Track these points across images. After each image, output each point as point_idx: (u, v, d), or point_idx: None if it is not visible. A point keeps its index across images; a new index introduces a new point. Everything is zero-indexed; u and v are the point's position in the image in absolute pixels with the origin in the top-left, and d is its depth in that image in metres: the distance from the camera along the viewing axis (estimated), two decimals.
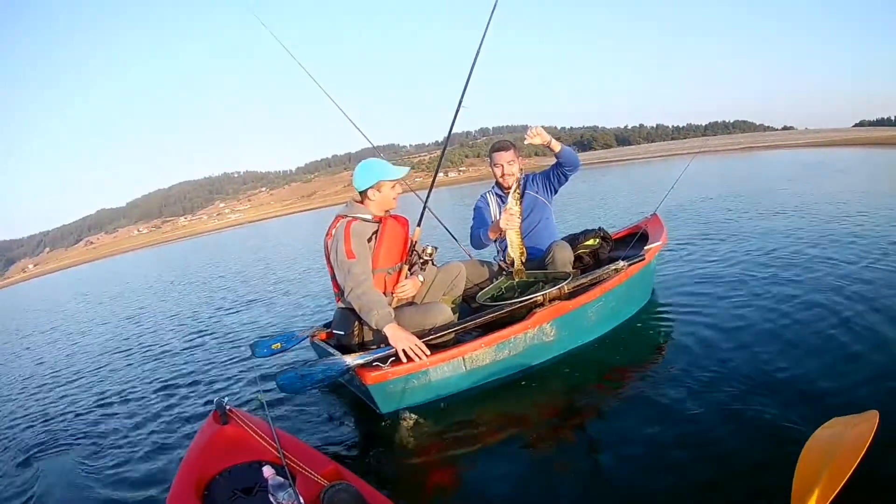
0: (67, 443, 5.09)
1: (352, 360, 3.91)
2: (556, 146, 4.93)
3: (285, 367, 4.30)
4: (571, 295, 4.43)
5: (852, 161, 22.76)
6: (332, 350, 4.41)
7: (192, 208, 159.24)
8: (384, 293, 4.26)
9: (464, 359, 4.02)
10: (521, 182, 4.83)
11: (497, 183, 5.35)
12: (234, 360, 6.53)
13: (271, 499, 2.48)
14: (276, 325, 7.92)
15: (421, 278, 4.55)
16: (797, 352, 4.13)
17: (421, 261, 4.59)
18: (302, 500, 2.35)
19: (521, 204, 4.64)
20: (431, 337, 4.02)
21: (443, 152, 5.21)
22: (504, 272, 4.97)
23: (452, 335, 4.19)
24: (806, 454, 2.35)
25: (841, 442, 2.36)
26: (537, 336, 4.27)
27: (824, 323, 4.55)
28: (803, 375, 3.78)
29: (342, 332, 4.41)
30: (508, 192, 4.79)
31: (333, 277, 4.37)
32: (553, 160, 5.15)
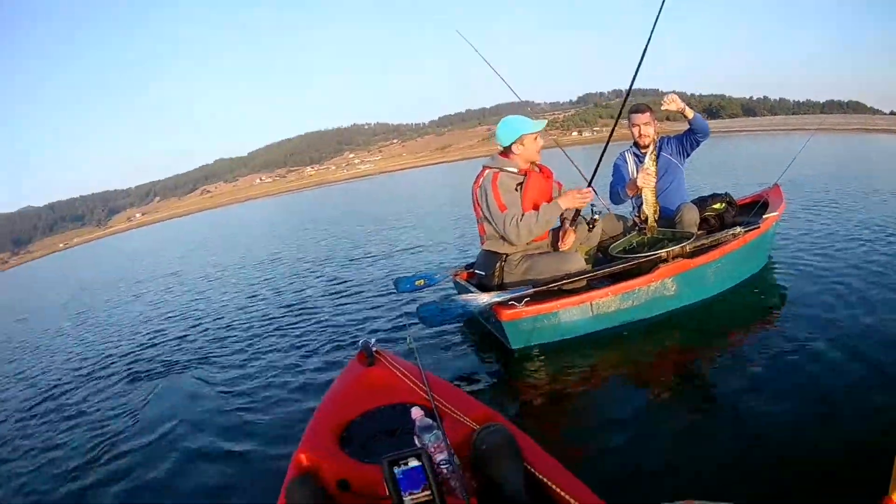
0: (212, 380, 5.49)
1: (490, 297, 4.53)
2: (690, 113, 5.25)
3: (428, 301, 4.83)
4: (693, 254, 4.87)
5: None
6: (472, 288, 5.08)
7: (319, 158, 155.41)
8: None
9: (591, 304, 4.61)
10: (657, 144, 5.44)
11: (634, 142, 5.73)
12: (380, 307, 6.77)
13: (416, 440, 2.38)
14: (419, 268, 8.25)
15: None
16: None
17: (589, 224, 5.12)
18: (449, 442, 2.28)
19: (656, 165, 5.07)
20: (564, 282, 4.58)
21: (623, 103, 5.30)
22: (637, 227, 5.40)
23: (584, 282, 4.75)
24: None
25: None
26: (659, 289, 4.78)
27: None
28: None
29: (483, 273, 5.05)
30: (644, 152, 5.36)
31: (479, 221, 5.00)
32: (684, 126, 5.48)
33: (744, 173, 14.67)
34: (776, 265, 6.07)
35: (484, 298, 4.51)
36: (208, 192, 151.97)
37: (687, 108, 5.21)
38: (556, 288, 4.57)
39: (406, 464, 1.93)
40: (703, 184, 7.14)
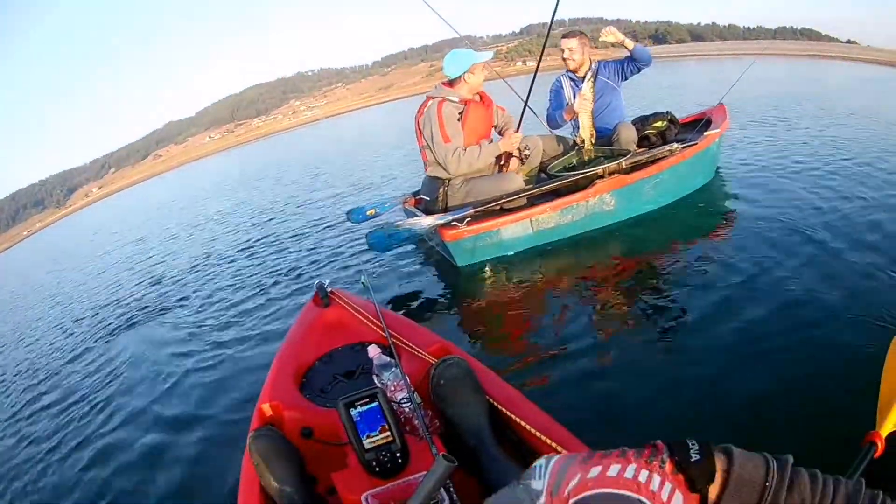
0: (172, 336, 5.51)
1: (433, 220, 4.97)
2: (630, 44, 5.58)
3: (374, 228, 5.21)
4: (629, 170, 5.25)
5: None
6: (419, 213, 5.43)
7: (265, 109, 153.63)
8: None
9: (531, 221, 5.03)
10: (595, 69, 5.68)
11: (567, 68, 5.95)
12: (333, 248, 6.88)
13: (375, 380, 2.38)
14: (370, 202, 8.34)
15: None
16: (857, 253, 4.10)
17: (521, 156, 5.40)
18: (408, 379, 2.26)
19: (593, 89, 5.45)
20: (503, 201, 4.98)
21: (545, 40, 5.55)
22: (576, 147, 5.71)
23: (525, 200, 5.16)
24: (892, 356, 2.26)
25: None
26: (598, 204, 5.19)
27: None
28: (871, 279, 3.73)
29: (428, 198, 5.48)
30: (581, 77, 5.71)
31: (422, 149, 5.37)
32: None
33: (691, 95, 14.94)
34: (723, 180, 6.39)
35: (427, 221, 4.94)
36: (160, 156, 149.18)
37: (626, 39, 5.53)
38: (497, 207, 4.99)
39: (363, 404, 1.90)
40: (650, 106, 7.24)
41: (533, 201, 5.15)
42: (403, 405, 2.18)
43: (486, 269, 5.05)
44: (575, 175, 5.16)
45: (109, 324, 6.83)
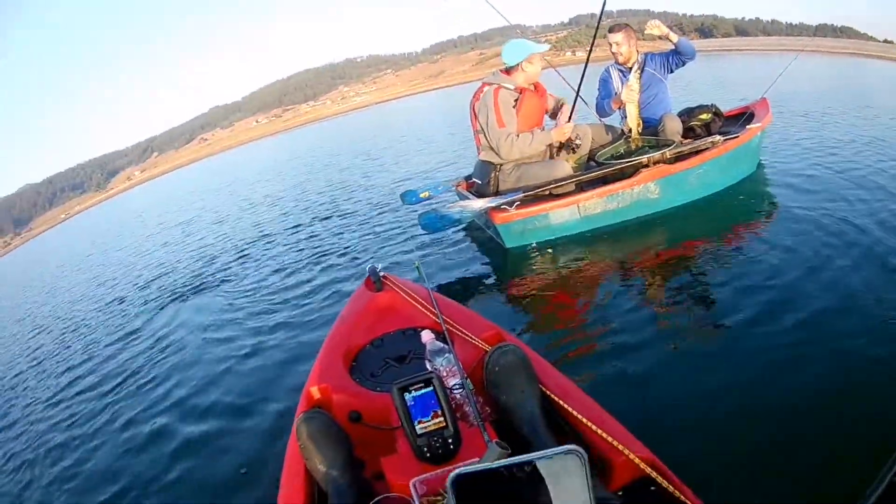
0: (219, 312, 5.80)
1: (484, 203, 5.20)
2: (674, 38, 5.71)
3: (427, 209, 5.45)
4: (674, 160, 5.37)
5: None
6: (470, 196, 5.63)
7: (314, 95, 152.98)
8: None
9: (578, 206, 5.22)
10: (642, 61, 5.91)
11: (616, 60, 6.11)
12: (386, 232, 6.99)
13: (428, 365, 2.37)
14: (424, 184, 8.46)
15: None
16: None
17: (573, 145, 5.57)
18: (461, 366, 2.25)
19: (640, 81, 5.64)
20: (552, 186, 5.18)
21: (595, 32, 5.83)
22: (624, 137, 5.87)
23: (573, 186, 5.33)
24: None
25: None
26: (642, 192, 5.34)
27: None
28: None
29: (480, 182, 5.67)
30: (628, 68, 5.88)
31: (476, 133, 5.59)
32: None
33: (737, 88, 14.66)
34: (766, 174, 6.45)
35: (479, 204, 5.17)
36: (206, 140, 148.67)
37: (671, 32, 5.67)
38: (546, 192, 5.19)
39: (417, 389, 1.90)
40: (696, 98, 7.35)
41: (582, 187, 5.32)
42: (455, 391, 2.18)
43: (535, 253, 5.21)
44: (621, 163, 5.31)
45: (159, 303, 7.02)
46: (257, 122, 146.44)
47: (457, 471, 1.13)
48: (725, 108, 6.62)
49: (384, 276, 3.27)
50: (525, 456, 1.17)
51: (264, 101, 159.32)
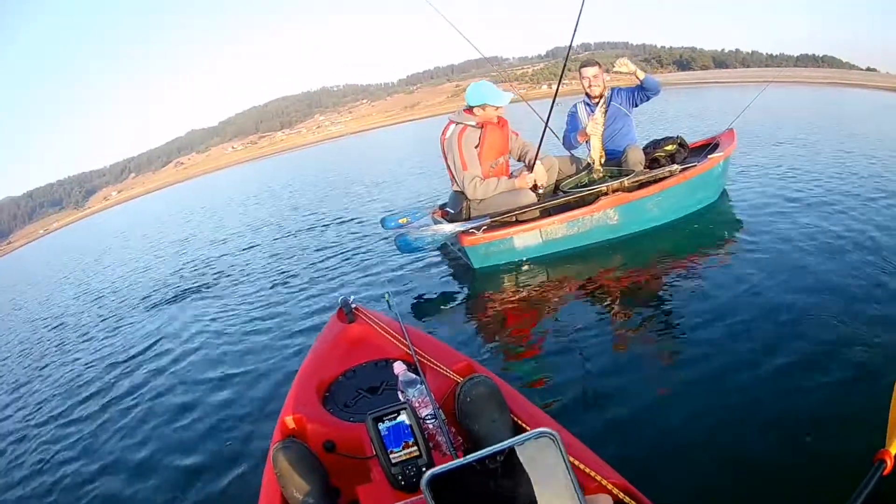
0: (197, 346, 5.68)
1: (454, 227, 5.49)
2: (641, 75, 6.02)
3: (402, 232, 5.67)
4: (633, 189, 5.67)
5: None
6: (444, 222, 5.86)
7: (290, 123, 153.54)
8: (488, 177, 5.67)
9: (540, 231, 5.51)
10: (608, 96, 6.24)
11: (586, 93, 6.43)
12: (358, 263, 7.09)
13: (400, 396, 2.43)
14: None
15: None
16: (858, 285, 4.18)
17: (537, 191, 5.85)
18: (433, 396, 2.32)
19: (605, 115, 5.97)
20: (516, 212, 5.50)
21: (564, 64, 6.04)
22: (589, 167, 6.15)
23: (537, 212, 5.62)
24: None
25: None
26: (602, 218, 5.61)
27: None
28: (873, 301, 3.86)
29: (453, 210, 6.01)
30: (595, 102, 6.21)
31: (448, 167, 5.85)
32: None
33: (711, 120, 15.02)
34: (731, 201, 6.75)
35: (449, 228, 5.47)
36: (182, 164, 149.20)
37: (638, 70, 5.98)
38: (512, 218, 5.48)
39: (390, 419, 1.96)
40: (670, 130, 7.72)
41: (549, 213, 5.63)
42: (428, 422, 2.22)
43: (501, 274, 5.49)
44: (582, 192, 5.65)
45: (129, 329, 7.02)
46: (233, 147, 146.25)
47: (429, 472, 1.17)
48: (695, 139, 6.96)
49: (356, 308, 3.34)
50: (496, 446, 1.21)
51: (241, 127, 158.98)
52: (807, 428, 2.68)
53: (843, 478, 2.05)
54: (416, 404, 2.28)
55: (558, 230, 5.53)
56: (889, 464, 2.01)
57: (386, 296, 3.53)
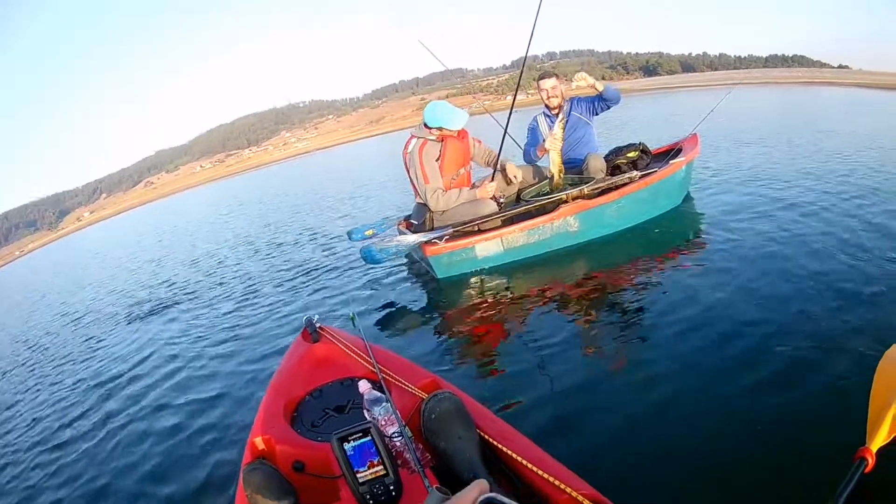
0: (165, 366, 5.66)
1: (417, 237, 5.54)
2: (600, 87, 6.16)
3: (367, 243, 5.71)
4: (593, 196, 5.75)
5: None
6: (409, 233, 5.94)
7: (257, 140, 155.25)
8: (449, 188, 5.78)
9: (502, 239, 5.59)
10: (567, 108, 6.40)
11: (545, 105, 6.57)
12: (322, 281, 7.06)
13: (366, 414, 2.42)
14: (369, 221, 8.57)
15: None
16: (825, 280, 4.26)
17: (497, 201, 5.95)
18: (399, 414, 2.33)
19: (564, 129, 6.07)
20: (478, 223, 5.60)
21: (519, 78, 6.18)
22: (551, 176, 6.22)
23: (499, 221, 5.72)
24: (880, 374, 2.45)
25: None
26: (562, 226, 5.70)
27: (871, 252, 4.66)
28: (841, 299, 3.91)
29: (417, 222, 6.09)
30: (555, 113, 6.36)
31: (411, 180, 5.96)
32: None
33: (676, 125, 15.39)
34: (694, 205, 6.85)
35: (412, 238, 5.53)
36: (152, 183, 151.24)
37: (597, 83, 6.10)
38: (474, 228, 5.57)
39: (356, 439, 1.97)
40: (635, 136, 7.86)
41: (513, 220, 5.71)
42: (395, 439, 2.25)
43: (465, 282, 5.56)
44: (542, 200, 5.74)
45: (93, 350, 7.05)
46: (201, 166, 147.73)
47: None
48: (660, 145, 7.08)
49: (320, 328, 3.38)
50: None
51: (208, 144, 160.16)
52: (782, 431, 2.67)
53: (824, 478, 2.12)
54: (382, 422, 2.32)
55: (519, 238, 5.60)
56: (870, 461, 2.07)
57: (351, 314, 3.59)
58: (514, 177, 6.03)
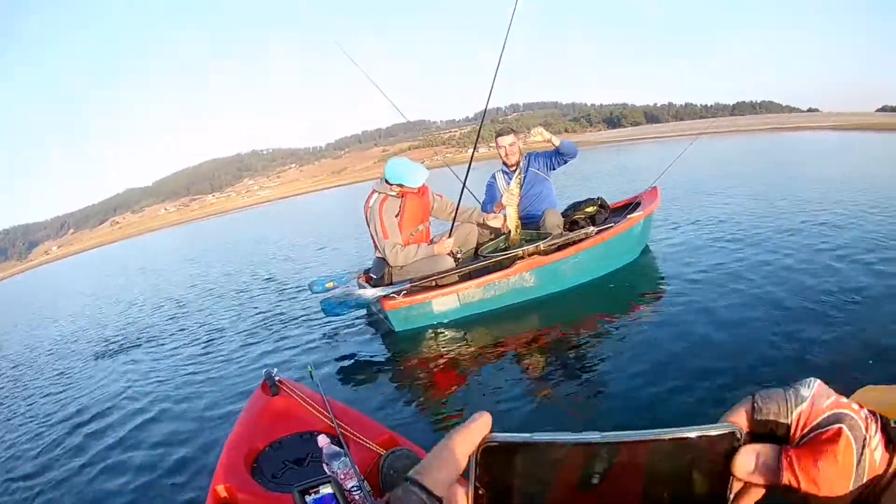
0: (124, 415, 5.60)
1: (375, 291, 5.66)
2: (556, 141, 6.35)
3: (328, 296, 5.87)
4: (548, 252, 5.88)
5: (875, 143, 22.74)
6: (368, 287, 6.03)
7: (220, 186, 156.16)
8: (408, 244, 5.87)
9: (458, 295, 5.70)
10: (525, 163, 6.52)
11: (503, 162, 6.68)
12: (282, 334, 7.05)
13: (325, 468, 2.46)
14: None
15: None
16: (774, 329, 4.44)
17: (455, 257, 6.12)
18: (358, 469, 2.36)
19: (521, 185, 6.20)
20: (436, 278, 5.69)
21: (478, 133, 6.54)
22: (508, 232, 6.32)
23: (456, 277, 5.81)
24: None
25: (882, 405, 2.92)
26: (518, 282, 5.82)
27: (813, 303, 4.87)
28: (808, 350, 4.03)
29: (376, 276, 6.16)
30: (513, 170, 6.44)
31: (371, 235, 6.04)
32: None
33: (638, 177, 15.64)
34: (653, 258, 7.01)
35: (371, 292, 5.66)
36: (118, 223, 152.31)
37: (553, 137, 6.27)
38: (432, 283, 5.66)
39: (317, 492, 2.01)
40: (596, 190, 7.99)
41: (471, 276, 5.80)
42: (354, 493, 2.27)
43: (422, 336, 5.62)
44: (498, 256, 5.83)
45: (48, 397, 6.86)
46: (165, 209, 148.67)
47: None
48: (620, 199, 7.25)
49: (279, 381, 3.36)
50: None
51: (173, 187, 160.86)
52: None
53: None
54: (341, 476, 2.36)
55: (476, 294, 5.70)
56: None
57: (309, 367, 3.63)
58: (458, 253, 6.20)
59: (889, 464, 0.49)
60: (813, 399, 0.51)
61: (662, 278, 6.23)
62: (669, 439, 0.47)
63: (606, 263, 6.42)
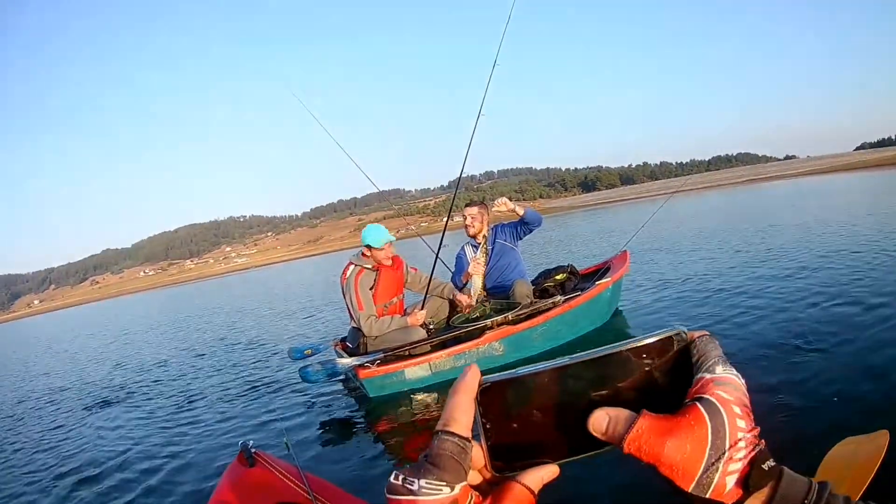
0: (104, 487, 5.56)
1: (351, 361, 5.89)
2: (520, 211, 6.61)
3: (306, 364, 6.08)
4: (517, 321, 6.14)
5: (850, 185, 23.13)
6: (344, 354, 6.30)
7: (198, 251, 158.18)
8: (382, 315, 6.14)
9: (430, 364, 5.93)
10: (491, 234, 6.79)
11: (466, 233, 6.96)
12: (260, 405, 7.08)
13: None
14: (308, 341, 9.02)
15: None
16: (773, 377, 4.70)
17: (427, 328, 6.45)
18: None
19: (488, 256, 6.55)
20: (409, 348, 5.95)
21: (452, 203, 6.85)
22: (479, 302, 6.60)
23: (428, 347, 6.06)
24: (823, 472, 2.51)
25: (855, 459, 2.52)
26: (487, 350, 6.06)
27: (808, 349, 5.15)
28: (805, 400, 4.24)
29: (351, 345, 6.43)
30: (479, 242, 6.73)
31: (347, 306, 6.31)
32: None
33: (610, 241, 16.18)
34: (625, 321, 7.29)
35: (347, 361, 5.89)
36: (97, 283, 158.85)
37: (517, 207, 6.54)
38: (405, 352, 5.90)
39: None
40: (568, 257, 8.21)
41: (445, 345, 6.04)
42: None
43: (398, 407, 5.76)
44: (468, 327, 6.08)
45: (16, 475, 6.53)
46: (144, 272, 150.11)
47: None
48: (594, 263, 7.53)
49: (256, 453, 3.26)
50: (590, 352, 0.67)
51: (152, 251, 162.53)
52: None
53: None
54: None
55: (447, 363, 5.92)
56: None
57: (285, 439, 3.58)
58: (430, 325, 6.52)
59: (736, 502, 0.51)
60: (719, 381, 0.54)
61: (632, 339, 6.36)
62: (627, 349, 0.59)
63: (576, 328, 6.65)
